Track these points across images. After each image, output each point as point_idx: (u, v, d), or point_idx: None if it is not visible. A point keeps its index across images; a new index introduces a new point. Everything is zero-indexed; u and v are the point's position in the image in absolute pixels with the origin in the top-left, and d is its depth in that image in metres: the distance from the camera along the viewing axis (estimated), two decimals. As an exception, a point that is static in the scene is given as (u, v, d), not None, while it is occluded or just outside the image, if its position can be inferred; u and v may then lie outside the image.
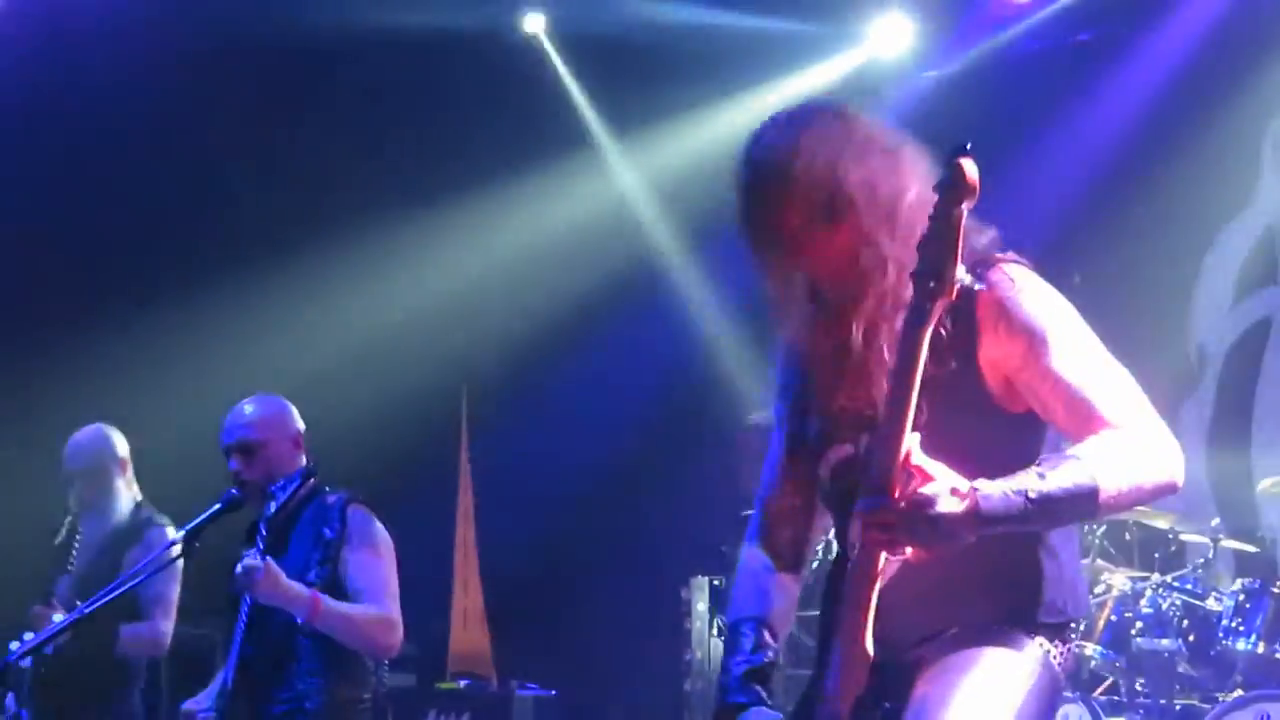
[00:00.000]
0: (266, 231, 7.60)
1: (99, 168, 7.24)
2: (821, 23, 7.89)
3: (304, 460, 4.55)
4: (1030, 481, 2.35)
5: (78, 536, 5.58)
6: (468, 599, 7.81)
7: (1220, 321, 7.59)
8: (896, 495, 2.34)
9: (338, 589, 4.32)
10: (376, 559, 4.46)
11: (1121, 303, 6.79)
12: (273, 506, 4.37)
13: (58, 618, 5.06)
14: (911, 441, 2.36)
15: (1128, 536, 6.15)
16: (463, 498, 7.95)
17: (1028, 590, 2.63)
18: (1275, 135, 7.41)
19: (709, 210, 7.10)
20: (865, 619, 2.44)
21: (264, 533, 4.28)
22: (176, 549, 4.44)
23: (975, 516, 2.31)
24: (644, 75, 7.82)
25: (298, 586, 4.21)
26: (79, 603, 4.89)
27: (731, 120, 7.74)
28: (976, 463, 2.42)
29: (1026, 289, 2.49)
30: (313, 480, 4.51)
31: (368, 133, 7.87)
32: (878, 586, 2.45)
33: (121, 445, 5.56)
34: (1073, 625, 2.74)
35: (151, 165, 7.45)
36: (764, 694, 2.61)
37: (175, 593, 5.36)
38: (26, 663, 5.04)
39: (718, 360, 7.78)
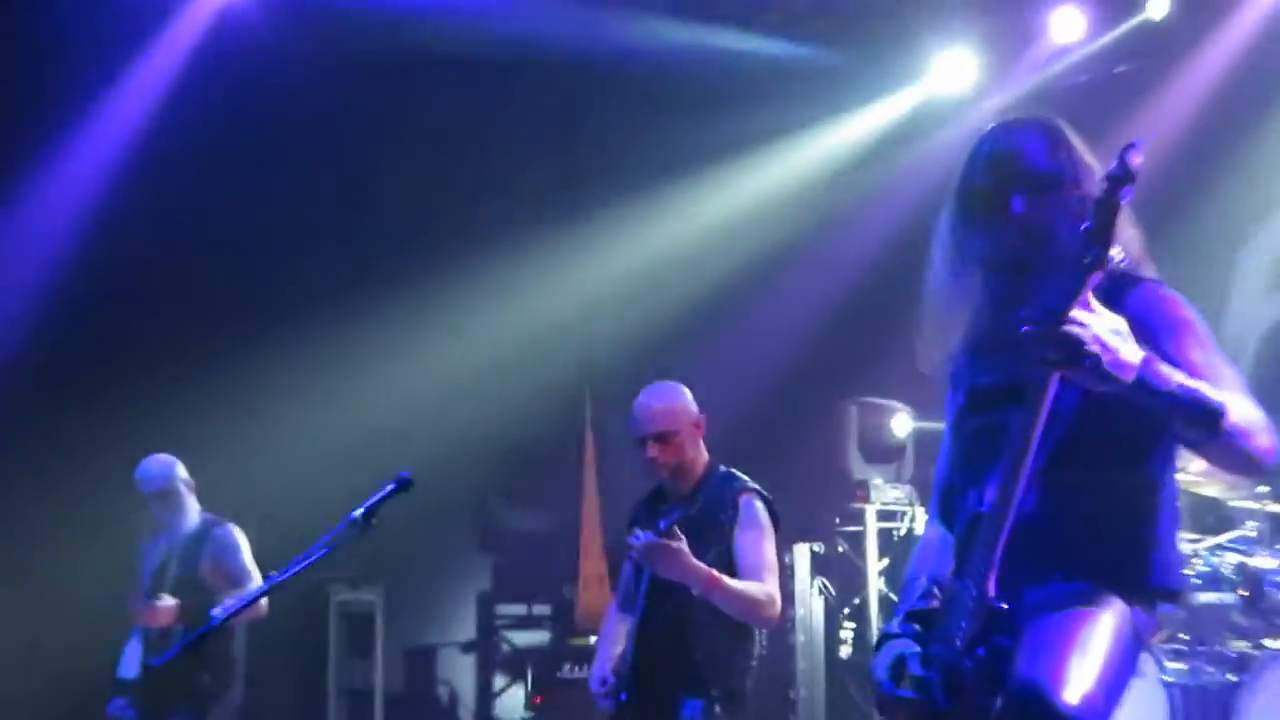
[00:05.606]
0: (414, 246, 7.96)
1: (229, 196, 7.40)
2: (885, 59, 8.24)
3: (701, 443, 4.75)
4: (1181, 377, 2.53)
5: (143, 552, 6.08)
6: (590, 565, 8.04)
7: (1255, 310, 7.88)
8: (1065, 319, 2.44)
9: (727, 564, 4.56)
10: (761, 539, 4.67)
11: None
12: (678, 512, 4.53)
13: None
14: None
15: (1180, 504, 6.35)
16: (587, 480, 8.30)
17: (1126, 556, 2.73)
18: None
19: (790, 232, 8.15)
20: (1016, 483, 2.56)
21: (675, 517, 4.44)
22: (362, 518, 3.99)
23: (1144, 364, 2.43)
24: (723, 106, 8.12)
25: (697, 563, 4.38)
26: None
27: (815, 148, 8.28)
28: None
29: (1169, 298, 2.80)
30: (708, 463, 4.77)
31: (511, 158, 8.39)
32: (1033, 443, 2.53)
33: (183, 470, 6.06)
34: (1164, 592, 2.78)
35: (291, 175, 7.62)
36: (916, 629, 2.85)
37: (249, 565, 5.90)
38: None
39: (818, 348, 8.09)
